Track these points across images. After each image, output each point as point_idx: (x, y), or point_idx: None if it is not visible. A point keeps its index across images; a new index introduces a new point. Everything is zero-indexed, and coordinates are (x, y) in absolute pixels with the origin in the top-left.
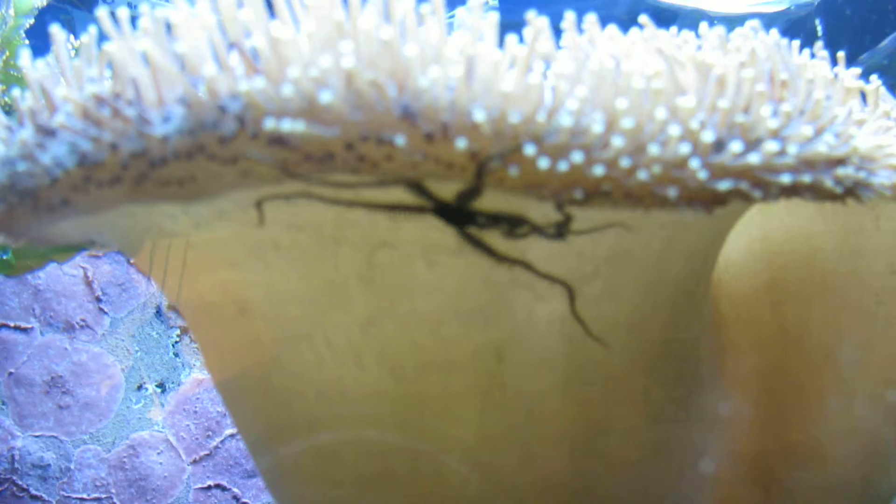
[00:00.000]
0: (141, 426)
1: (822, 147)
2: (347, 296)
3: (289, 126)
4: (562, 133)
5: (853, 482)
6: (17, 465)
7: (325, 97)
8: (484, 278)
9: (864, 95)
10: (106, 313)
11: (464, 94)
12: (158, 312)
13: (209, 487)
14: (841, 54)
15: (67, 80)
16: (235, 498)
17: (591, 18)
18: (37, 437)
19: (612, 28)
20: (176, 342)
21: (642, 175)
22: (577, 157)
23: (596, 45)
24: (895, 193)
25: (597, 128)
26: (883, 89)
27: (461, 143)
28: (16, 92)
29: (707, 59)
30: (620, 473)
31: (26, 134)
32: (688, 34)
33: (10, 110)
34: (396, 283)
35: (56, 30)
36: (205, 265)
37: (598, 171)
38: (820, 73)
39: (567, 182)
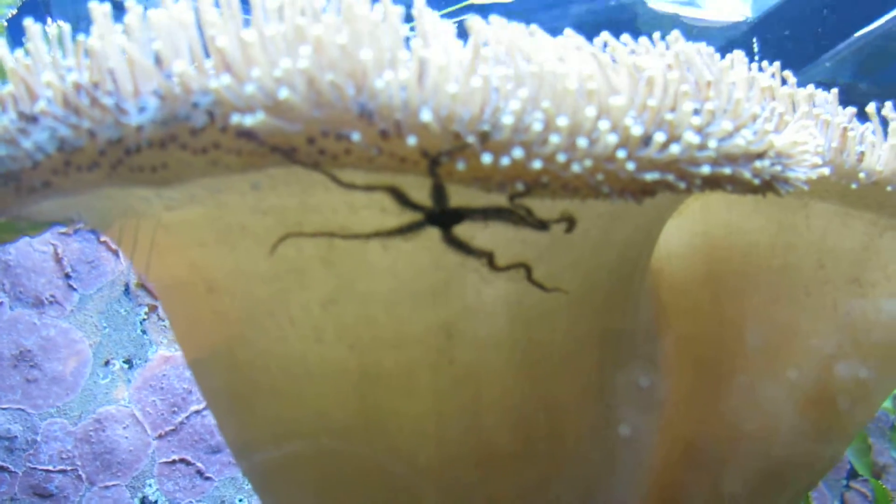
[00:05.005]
0: (108, 401)
1: (741, 141)
2: (309, 276)
3: (252, 121)
4: (504, 131)
5: (785, 464)
6: None
7: (287, 95)
8: (435, 261)
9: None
10: (75, 290)
11: (415, 95)
12: (127, 290)
13: (174, 462)
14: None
15: (46, 69)
16: (199, 472)
17: (533, 27)
18: (4, 409)
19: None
20: (143, 319)
21: (576, 168)
22: (518, 152)
23: (539, 48)
24: (812, 187)
25: (537, 126)
26: (819, 94)
27: (412, 141)
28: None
29: (638, 62)
30: (562, 449)
31: (7, 119)
32: (616, 42)
33: None
34: (354, 265)
35: (30, 22)
36: (175, 245)
37: (537, 165)
38: (741, 75)
39: (509, 175)
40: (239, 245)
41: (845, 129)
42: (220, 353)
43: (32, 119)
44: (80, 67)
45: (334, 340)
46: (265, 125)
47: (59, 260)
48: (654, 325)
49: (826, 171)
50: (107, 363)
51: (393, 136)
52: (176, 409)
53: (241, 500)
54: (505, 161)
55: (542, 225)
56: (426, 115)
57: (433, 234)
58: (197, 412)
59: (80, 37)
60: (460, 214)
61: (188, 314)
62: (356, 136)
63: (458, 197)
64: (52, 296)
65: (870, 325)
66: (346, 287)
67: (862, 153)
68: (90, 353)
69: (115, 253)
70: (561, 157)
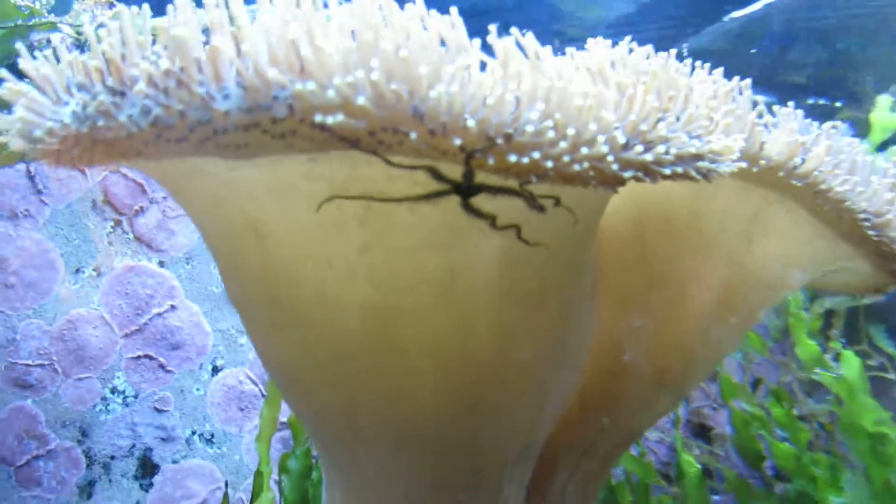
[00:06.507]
0: (79, 304)
1: (692, 149)
2: (347, 230)
3: (333, 120)
4: (526, 136)
5: (678, 372)
6: None
7: (360, 100)
8: (450, 222)
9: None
10: (47, 204)
11: (459, 104)
12: (94, 206)
13: (139, 357)
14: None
15: (135, 52)
16: (161, 366)
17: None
18: None
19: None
20: (110, 232)
21: (576, 167)
22: (536, 154)
23: (550, 65)
24: (732, 176)
25: (550, 133)
26: (737, 89)
27: (456, 140)
28: (88, 57)
29: (624, 80)
30: (532, 358)
31: (102, 96)
32: (610, 51)
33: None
34: (385, 222)
35: (122, 8)
36: (231, 197)
37: (549, 164)
38: (697, 90)
39: (526, 169)
40: (290, 202)
41: (754, 123)
42: (262, 287)
43: (122, 94)
44: (169, 54)
45: (364, 280)
46: (340, 121)
47: (31, 177)
48: (596, 265)
49: (744, 164)
50: (77, 270)
51: (439, 135)
52: (140, 311)
53: (197, 390)
54: (525, 160)
55: (540, 208)
56: (469, 122)
57: (453, 201)
58: (158, 314)
59: (161, 22)
60: (478, 188)
61: (235, 255)
62: (412, 134)
63: (480, 177)
64: (26, 210)
65: (755, 270)
66: (377, 239)
67: (763, 143)
68: (62, 262)
69: (83, 172)
70: (566, 159)
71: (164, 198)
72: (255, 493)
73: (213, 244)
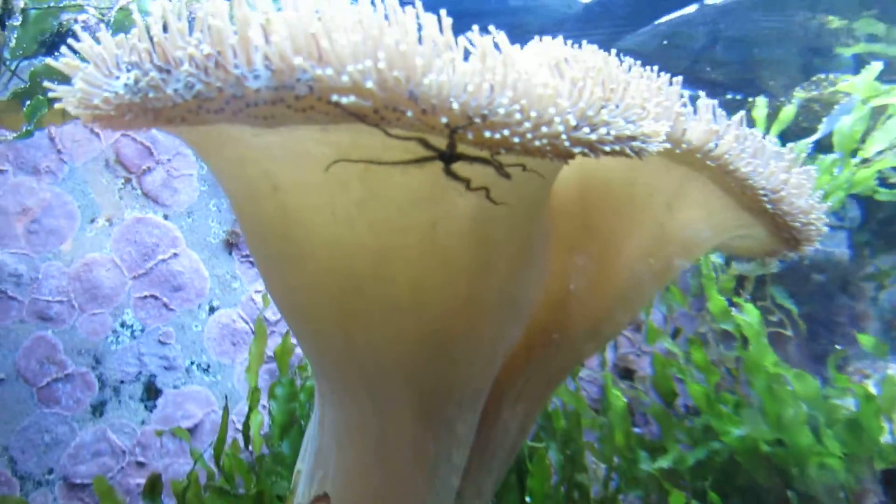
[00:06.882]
0: (93, 249)
1: (627, 131)
2: (349, 186)
3: (346, 101)
4: (498, 116)
5: (611, 303)
6: None
7: (368, 84)
8: (433, 182)
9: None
10: (65, 162)
11: (446, 89)
12: (107, 164)
13: (145, 297)
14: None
15: (174, 37)
16: (165, 305)
17: (517, 48)
18: (12, 253)
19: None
20: (121, 188)
21: (537, 143)
22: (506, 131)
23: (518, 59)
24: (660, 155)
25: (517, 115)
26: (666, 83)
27: (442, 118)
28: (135, 39)
29: (575, 74)
30: (496, 295)
31: (152, 72)
32: (564, 49)
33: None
34: (381, 180)
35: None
36: (255, 157)
37: (516, 139)
38: (633, 84)
39: (497, 143)
40: (303, 162)
41: (678, 113)
42: (276, 231)
43: (167, 72)
44: (208, 40)
45: (362, 227)
46: (351, 100)
47: (52, 138)
48: (550, 222)
49: (669, 146)
50: (92, 220)
51: (429, 114)
52: (146, 257)
53: (196, 326)
54: (497, 136)
55: (507, 175)
56: (453, 104)
57: (437, 166)
58: (163, 260)
59: (199, 13)
60: (458, 157)
61: (256, 207)
62: (408, 112)
63: (460, 147)
64: (48, 167)
65: (674, 230)
66: (373, 194)
67: (685, 129)
68: (79, 213)
69: (98, 135)
70: (529, 135)
71: (169, 160)
72: (251, 408)
73: (236, 198)
